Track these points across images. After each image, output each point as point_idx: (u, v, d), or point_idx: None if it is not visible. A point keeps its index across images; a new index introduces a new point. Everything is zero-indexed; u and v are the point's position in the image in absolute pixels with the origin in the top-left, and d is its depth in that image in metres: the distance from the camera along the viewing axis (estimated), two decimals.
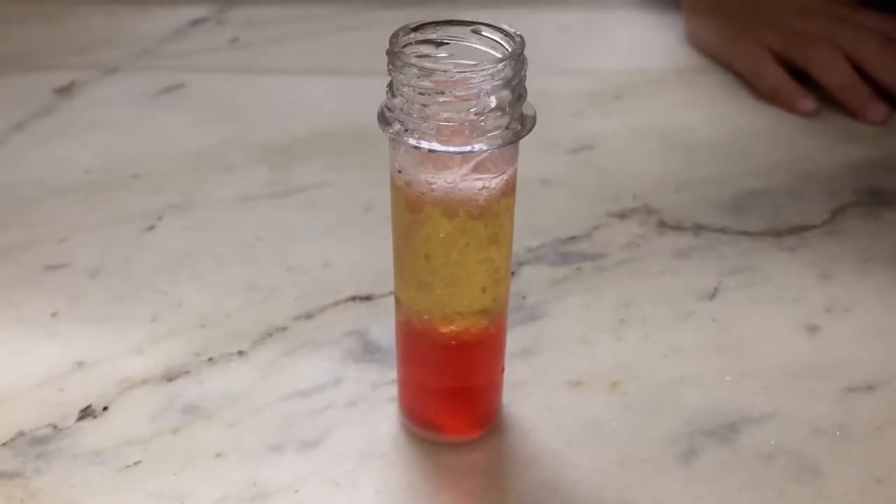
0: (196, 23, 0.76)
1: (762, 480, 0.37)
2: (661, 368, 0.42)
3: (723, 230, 0.51)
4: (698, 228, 0.51)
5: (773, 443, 0.38)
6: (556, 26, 0.76)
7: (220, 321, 0.45)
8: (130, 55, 0.71)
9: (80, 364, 0.42)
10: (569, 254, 0.49)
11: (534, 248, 0.50)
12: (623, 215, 0.52)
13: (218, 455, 0.38)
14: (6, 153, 0.59)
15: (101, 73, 0.68)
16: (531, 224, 0.51)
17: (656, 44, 0.73)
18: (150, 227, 0.51)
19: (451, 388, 0.38)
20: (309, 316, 0.45)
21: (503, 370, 0.38)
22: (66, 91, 0.66)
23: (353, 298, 0.46)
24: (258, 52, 0.72)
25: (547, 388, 0.41)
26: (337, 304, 0.46)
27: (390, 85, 0.30)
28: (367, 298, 0.46)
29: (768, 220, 0.52)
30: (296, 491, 0.36)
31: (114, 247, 0.50)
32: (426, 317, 0.35)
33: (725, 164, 0.58)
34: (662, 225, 0.52)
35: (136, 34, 0.74)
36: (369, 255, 0.49)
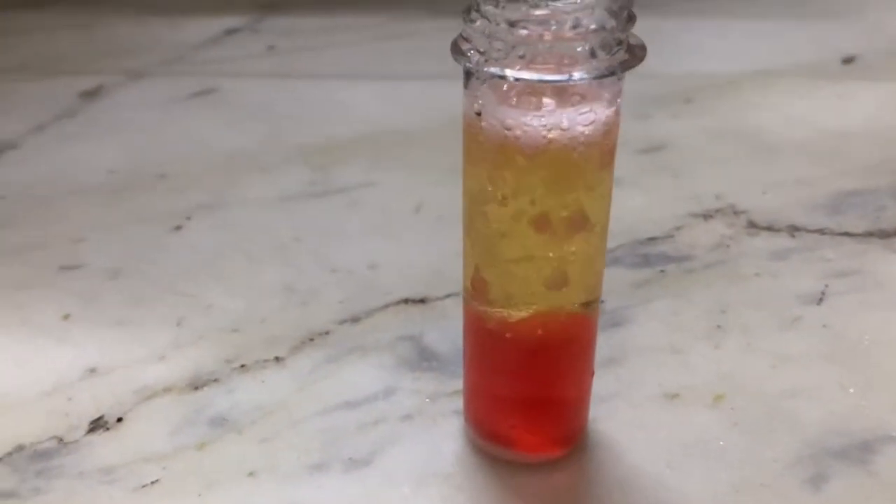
0: (230, 32, 0.72)
1: None
2: (770, 380, 0.36)
3: (822, 231, 0.45)
4: (794, 229, 0.45)
5: None
6: None
7: (255, 325, 0.39)
8: (161, 62, 0.67)
9: (92, 370, 0.37)
10: (650, 255, 0.43)
11: (610, 249, 0.43)
12: (707, 216, 0.46)
13: (250, 474, 0.32)
14: (24, 154, 0.54)
15: (130, 78, 0.64)
16: None
17: (723, 49, 0.68)
18: (178, 228, 0.46)
19: (531, 398, 0.31)
20: (355, 320, 0.39)
21: (592, 375, 0.32)
22: (91, 94, 0.61)
23: (406, 301, 0.40)
24: (294, 59, 0.67)
25: (638, 402, 0.35)
26: (387, 307, 0.40)
27: (468, 9, 0.25)
28: (422, 301, 0.40)
29: (871, 221, 0.46)
30: None
31: (136, 247, 0.45)
32: (502, 310, 0.29)
33: (814, 166, 0.52)
34: (752, 226, 0.46)
35: (167, 43, 0.70)
36: (422, 256, 0.43)
